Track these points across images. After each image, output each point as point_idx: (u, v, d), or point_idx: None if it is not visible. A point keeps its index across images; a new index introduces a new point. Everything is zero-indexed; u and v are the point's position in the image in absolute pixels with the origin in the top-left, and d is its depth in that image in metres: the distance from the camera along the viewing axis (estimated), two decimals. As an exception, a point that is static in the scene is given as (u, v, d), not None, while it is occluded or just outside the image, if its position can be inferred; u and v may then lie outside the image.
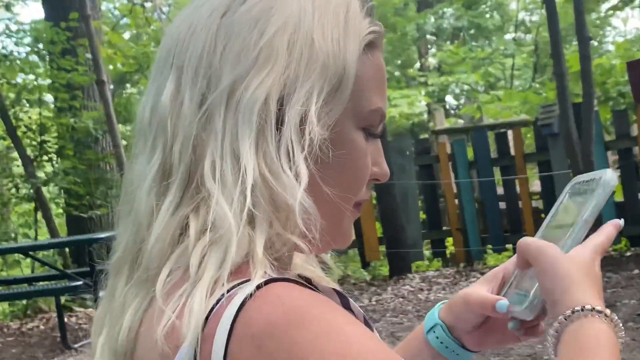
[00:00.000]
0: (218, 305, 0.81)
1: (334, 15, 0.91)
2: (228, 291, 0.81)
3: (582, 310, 0.90)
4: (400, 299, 8.02)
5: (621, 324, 0.91)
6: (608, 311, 0.91)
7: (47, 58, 11.19)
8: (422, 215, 10.16)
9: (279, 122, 0.88)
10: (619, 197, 8.54)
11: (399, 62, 20.16)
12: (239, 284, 0.82)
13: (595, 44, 18.17)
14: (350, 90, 0.91)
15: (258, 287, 0.81)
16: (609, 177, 0.98)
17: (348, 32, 0.92)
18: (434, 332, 1.09)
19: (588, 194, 0.99)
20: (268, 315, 0.79)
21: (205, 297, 0.81)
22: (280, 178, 0.86)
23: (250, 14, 0.90)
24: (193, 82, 0.90)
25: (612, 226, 0.99)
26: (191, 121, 0.89)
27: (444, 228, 9.59)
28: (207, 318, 0.81)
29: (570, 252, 0.95)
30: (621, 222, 1.00)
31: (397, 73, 20.04)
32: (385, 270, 9.46)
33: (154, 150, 0.91)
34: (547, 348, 0.91)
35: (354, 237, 9.17)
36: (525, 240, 0.97)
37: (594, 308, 0.90)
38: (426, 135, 16.26)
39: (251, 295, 0.80)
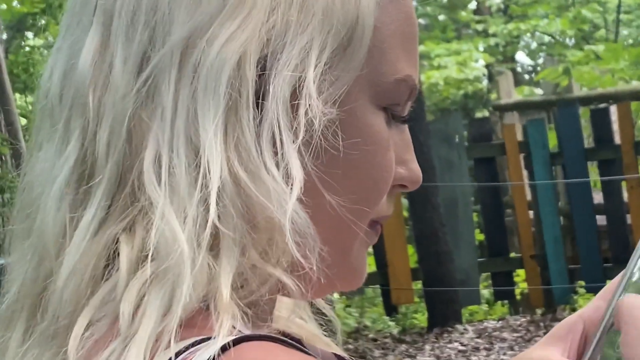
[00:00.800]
0: (163, 375, 0.82)
1: None
2: (178, 354, 0.82)
3: None
4: (445, 364, 8.03)
5: None
6: None
7: None
8: (479, 236, 10.16)
9: (260, 96, 0.89)
10: None
11: (445, 0, 20.16)
12: (194, 344, 0.82)
13: None
14: (365, 50, 0.92)
15: (223, 349, 0.81)
16: None
17: None
18: None
19: None
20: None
21: (143, 363, 0.82)
22: (261, 180, 0.87)
23: None
24: (128, 36, 0.90)
25: None
26: (125, 94, 0.89)
27: (512, 255, 9.59)
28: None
29: None
30: None
31: (441, 17, 20.05)
32: (421, 319, 9.46)
33: (68, 137, 0.91)
34: None
35: (372, 270, 9.10)
36: (625, 300, 0.94)
37: None
38: (486, 113, 16.27)
39: (214, 360, 0.80)
